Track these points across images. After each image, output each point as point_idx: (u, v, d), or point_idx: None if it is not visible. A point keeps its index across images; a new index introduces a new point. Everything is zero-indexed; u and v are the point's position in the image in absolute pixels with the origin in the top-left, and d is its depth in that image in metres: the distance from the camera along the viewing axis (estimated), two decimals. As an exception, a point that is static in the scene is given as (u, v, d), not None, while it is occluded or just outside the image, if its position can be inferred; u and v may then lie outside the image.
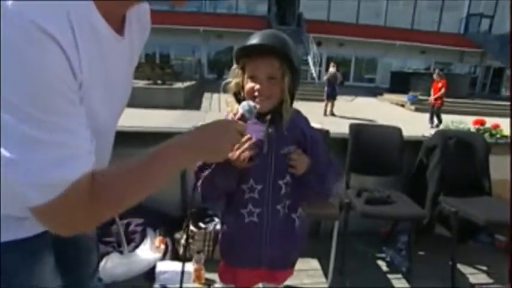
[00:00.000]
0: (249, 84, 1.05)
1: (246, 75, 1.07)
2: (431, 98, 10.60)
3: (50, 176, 0.49)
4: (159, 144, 0.64)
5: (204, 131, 0.71)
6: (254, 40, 1.01)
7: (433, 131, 2.81)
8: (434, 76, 10.75)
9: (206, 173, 1.06)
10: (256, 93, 1.02)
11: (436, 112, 10.51)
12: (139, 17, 0.70)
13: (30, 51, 0.43)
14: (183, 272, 1.12)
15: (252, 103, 0.92)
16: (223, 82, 1.13)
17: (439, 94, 10.36)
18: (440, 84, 10.38)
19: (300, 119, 1.16)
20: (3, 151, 0.46)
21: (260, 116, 1.06)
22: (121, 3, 0.59)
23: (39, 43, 0.44)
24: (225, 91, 1.13)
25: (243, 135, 0.77)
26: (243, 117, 0.85)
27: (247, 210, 1.10)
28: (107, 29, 0.57)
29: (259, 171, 1.07)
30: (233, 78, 1.10)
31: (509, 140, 2.82)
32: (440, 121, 10.20)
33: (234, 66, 1.10)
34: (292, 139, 1.09)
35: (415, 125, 8.42)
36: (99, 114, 0.61)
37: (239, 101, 1.10)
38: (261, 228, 1.11)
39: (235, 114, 0.90)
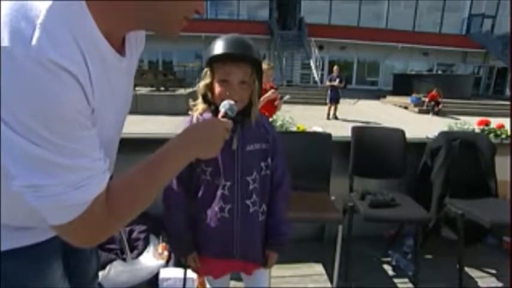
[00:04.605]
0: (220, 88, 1.09)
1: (215, 79, 1.10)
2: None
3: (70, 199, 0.53)
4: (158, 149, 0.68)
5: (197, 131, 0.79)
6: (224, 46, 1.04)
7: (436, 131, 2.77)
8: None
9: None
10: (227, 98, 1.05)
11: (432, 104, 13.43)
12: (136, 35, 0.73)
13: (50, 87, 0.47)
14: (185, 279, 1.11)
15: (232, 102, 0.98)
16: (197, 85, 1.16)
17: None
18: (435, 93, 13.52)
19: (263, 118, 1.25)
20: (25, 175, 0.50)
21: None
22: (123, 27, 0.63)
23: (58, 80, 0.47)
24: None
25: (228, 130, 0.84)
26: (226, 115, 0.93)
27: (219, 206, 1.15)
28: (111, 52, 0.60)
29: (228, 168, 1.13)
30: (203, 80, 1.13)
31: (513, 141, 2.79)
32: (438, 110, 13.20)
33: (206, 69, 1.12)
34: (257, 137, 1.18)
35: (420, 126, 8.36)
36: (108, 127, 0.65)
37: (207, 102, 1.14)
38: (232, 223, 1.16)
39: (221, 114, 0.95)
